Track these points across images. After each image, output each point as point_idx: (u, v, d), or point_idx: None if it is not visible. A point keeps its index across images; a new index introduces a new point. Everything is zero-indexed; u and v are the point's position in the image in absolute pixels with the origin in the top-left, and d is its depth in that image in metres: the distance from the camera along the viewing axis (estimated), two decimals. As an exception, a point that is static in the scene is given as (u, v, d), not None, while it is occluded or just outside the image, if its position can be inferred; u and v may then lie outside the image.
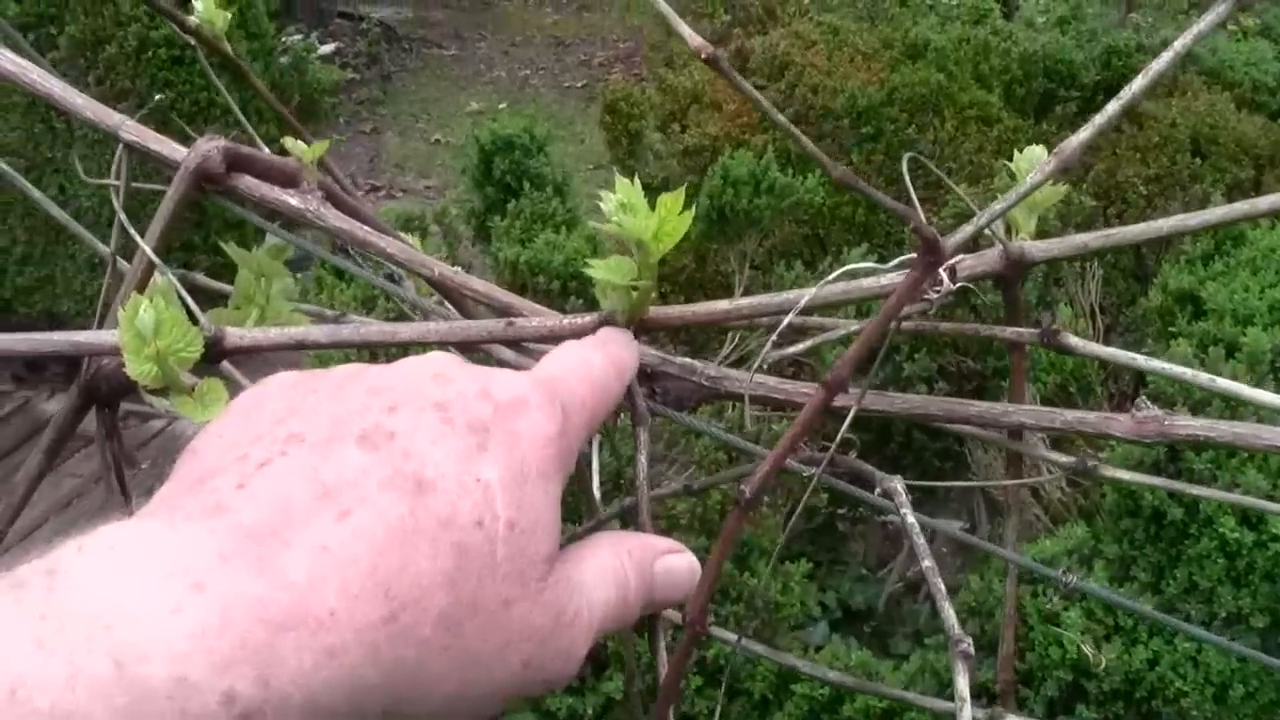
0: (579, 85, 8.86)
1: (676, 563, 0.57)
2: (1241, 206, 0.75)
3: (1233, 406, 2.16)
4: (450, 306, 0.94)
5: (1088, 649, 2.26)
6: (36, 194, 1.12)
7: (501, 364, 0.85)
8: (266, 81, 5.38)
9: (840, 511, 3.52)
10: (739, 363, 2.86)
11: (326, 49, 7.94)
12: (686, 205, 0.65)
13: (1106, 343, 2.93)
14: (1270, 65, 4.71)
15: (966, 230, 0.55)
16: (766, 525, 2.65)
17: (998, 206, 0.56)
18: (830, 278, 0.67)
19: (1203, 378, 0.65)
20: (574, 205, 3.56)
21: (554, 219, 3.36)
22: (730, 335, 3.30)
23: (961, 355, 3.33)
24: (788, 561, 2.67)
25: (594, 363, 0.58)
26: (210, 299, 0.89)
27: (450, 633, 0.45)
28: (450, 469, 0.46)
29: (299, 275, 5.18)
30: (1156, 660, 2.42)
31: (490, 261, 3.11)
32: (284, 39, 5.57)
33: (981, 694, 0.88)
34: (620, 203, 0.66)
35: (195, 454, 0.48)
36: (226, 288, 0.91)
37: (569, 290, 3.23)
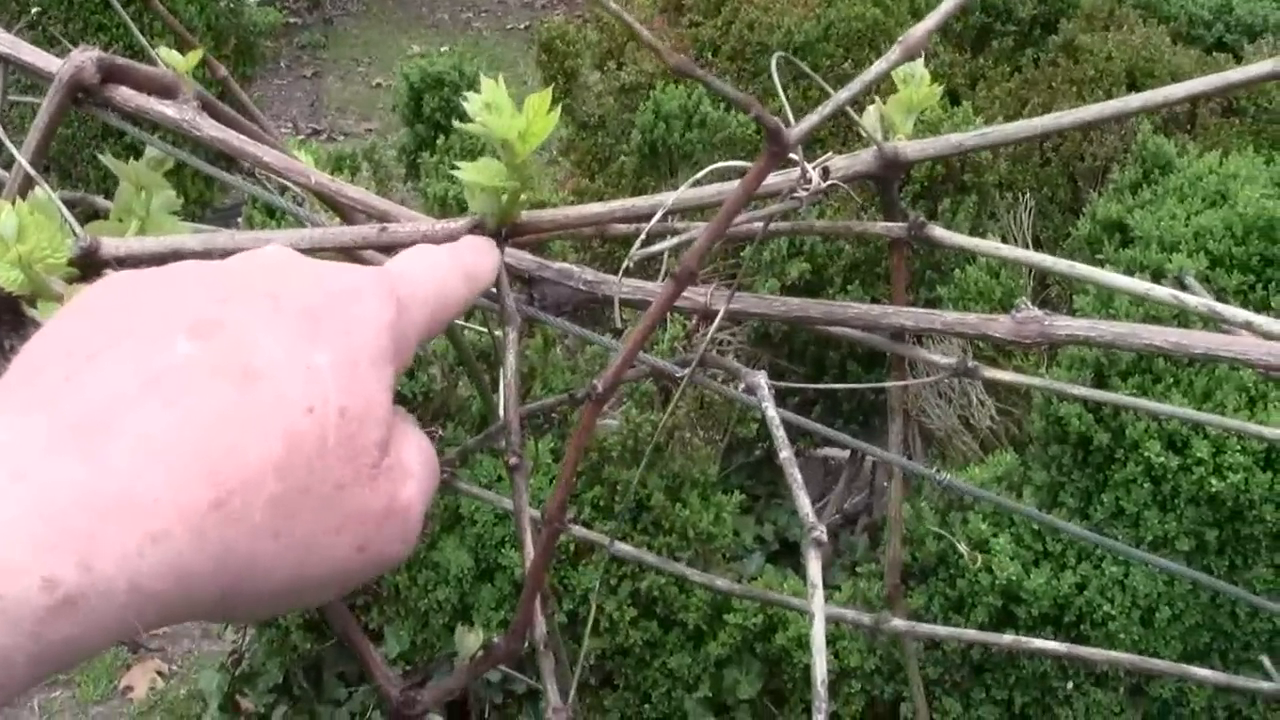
0: (522, 27, 8.82)
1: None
2: (1113, 104, 0.76)
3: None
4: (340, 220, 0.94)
5: (962, 547, 2.29)
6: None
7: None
8: (202, 24, 5.32)
9: (778, 446, 3.53)
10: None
11: (265, -8, 7.86)
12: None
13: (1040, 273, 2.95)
14: (1205, -1, 4.73)
15: (811, 119, 0.56)
16: (699, 456, 2.65)
17: (843, 95, 0.57)
18: (698, 175, 0.68)
19: (1061, 264, 0.66)
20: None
21: (483, 155, 3.34)
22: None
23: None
24: (721, 493, 2.68)
25: (440, 264, 0.58)
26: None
27: (282, 517, 0.45)
28: (280, 356, 0.46)
29: (237, 220, 5.12)
30: (1084, 585, 2.45)
31: (420, 198, 3.09)
32: (220, -19, 5.50)
33: (913, 618, 0.89)
34: (485, 102, 0.66)
35: (28, 353, 0.47)
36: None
37: (501, 226, 3.21)
